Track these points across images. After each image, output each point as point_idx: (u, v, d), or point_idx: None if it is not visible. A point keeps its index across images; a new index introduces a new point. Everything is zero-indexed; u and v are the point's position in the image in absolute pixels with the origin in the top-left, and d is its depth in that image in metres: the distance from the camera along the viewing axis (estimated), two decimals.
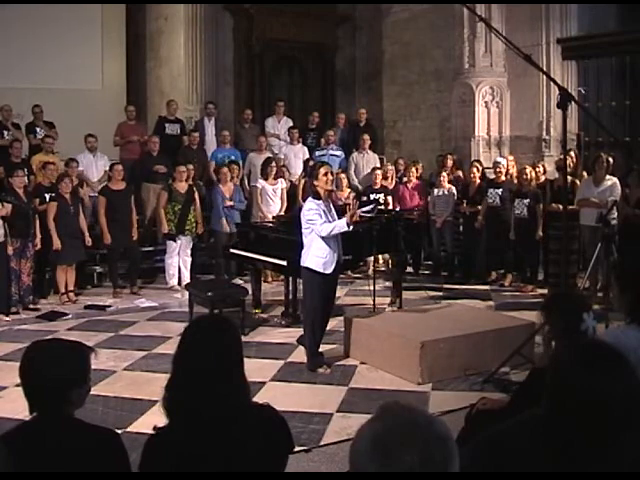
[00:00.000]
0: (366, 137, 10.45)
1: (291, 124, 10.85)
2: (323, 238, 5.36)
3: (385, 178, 9.70)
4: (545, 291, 8.09)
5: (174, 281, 8.71)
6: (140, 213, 9.47)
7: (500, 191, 8.74)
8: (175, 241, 8.64)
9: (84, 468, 1.94)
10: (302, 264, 5.51)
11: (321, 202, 5.45)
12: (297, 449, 3.75)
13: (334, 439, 4.20)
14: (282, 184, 9.31)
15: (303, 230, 5.50)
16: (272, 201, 9.16)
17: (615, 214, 7.26)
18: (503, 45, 9.80)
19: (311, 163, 8.83)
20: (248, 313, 6.91)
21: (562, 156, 5.22)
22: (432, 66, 12.15)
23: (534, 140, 10.40)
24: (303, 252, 5.52)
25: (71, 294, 8.01)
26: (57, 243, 7.74)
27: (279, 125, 10.92)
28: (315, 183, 5.49)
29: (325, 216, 5.40)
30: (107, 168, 9.21)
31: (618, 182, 7.67)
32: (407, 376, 5.26)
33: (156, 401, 4.06)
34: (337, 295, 6.38)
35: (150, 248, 9.48)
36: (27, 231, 7.52)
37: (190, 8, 11.21)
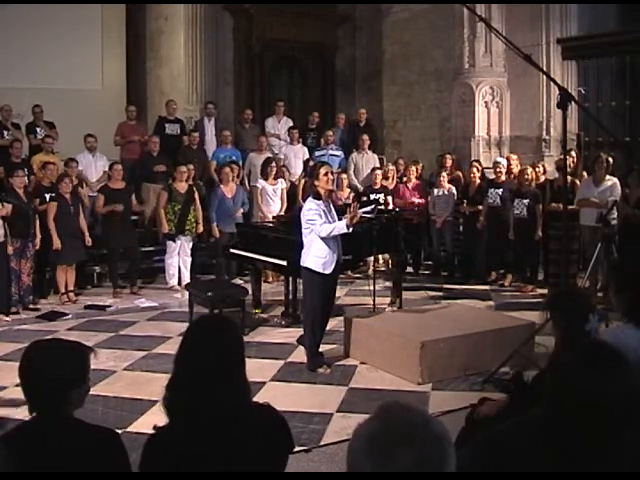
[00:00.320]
0: (365, 137, 10.45)
1: (291, 124, 10.85)
2: (323, 238, 5.36)
3: (385, 178, 9.70)
4: (545, 291, 8.09)
5: (174, 281, 8.71)
6: (140, 213, 9.49)
7: (500, 191, 8.74)
8: (175, 241, 8.64)
9: (84, 468, 1.94)
10: (302, 264, 5.51)
11: (321, 202, 5.45)
12: (297, 449, 3.75)
13: (334, 439, 4.19)
14: (282, 184, 9.31)
15: (303, 230, 5.49)
16: (272, 201, 9.16)
17: (615, 214, 7.26)
18: (503, 45, 9.79)
19: (311, 163, 8.83)
20: (248, 313, 6.91)
21: (562, 156, 5.22)
22: (432, 66, 12.15)
23: (534, 140, 10.40)
24: (303, 252, 5.52)
25: (71, 294, 8.01)
26: (57, 243, 7.74)
27: (279, 125, 10.92)
28: (315, 183, 5.49)
29: (325, 216, 5.40)
30: (106, 168, 9.22)
31: (618, 182, 7.67)
32: (407, 376, 5.26)
33: (156, 401, 4.06)
34: (337, 295, 6.39)
35: (150, 248, 9.48)
36: (27, 231, 7.52)
37: (190, 8, 11.21)
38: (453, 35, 10.90)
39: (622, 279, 3.07)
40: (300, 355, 5.82)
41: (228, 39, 12.32)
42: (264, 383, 5.20)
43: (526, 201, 8.32)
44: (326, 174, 5.46)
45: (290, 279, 7.00)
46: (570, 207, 7.41)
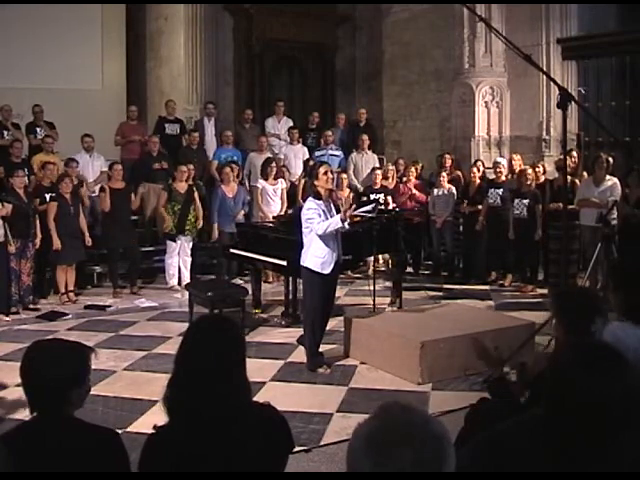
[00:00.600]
0: (365, 137, 10.45)
1: (291, 124, 10.85)
2: (322, 238, 5.36)
3: (385, 178, 9.70)
4: (545, 291, 8.09)
5: (174, 281, 8.71)
6: (140, 213, 9.49)
7: (501, 191, 8.74)
8: (175, 241, 8.64)
9: (84, 468, 1.94)
10: (302, 263, 5.51)
11: (321, 202, 5.45)
12: (297, 449, 3.75)
13: (334, 439, 4.20)
14: (282, 184, 9.32)
15: (303, 230, 5.50)
16: (272, 201, 9.16)
17: (615, 214, 7.26)
18: (503, 45, 9.79)
19: (311, 163, 8.83)
20: (248, 313, 6.91)
21: (562, 156, 5.22)
22: (432, 66, 12.15)
23: (534, 140, 10.40)
24: (303, 252, 5.52)
25: (71, 294, 8.01)
26: (57, 243, 7.74)
27: (279, 125, 10.92)
28: (316, 183, 5.49)
29: (325, 216, 5.40)
30: (103, 168, 9.23)
31: (618, 182, 7.67)
32: (407, 376, 5.26)
33: (156, 401, 4.06)
34: (337, 295, 6.39)
35: (150, 248, 9.48)
36: (27, 231, 7.52)
37: (190, 8, 11.21)
38: (453, 35, 10.90)
39: (621, 278, 3.07)
40: (300, 355, 5.82)
41: (228, 39, 12.32)
42: (264, 383, 5.21)
43: (526, 201, 8.32)
44: (325, 173, 5.46)
45: (290, 279, 7.00)
46: (570, 207, 7.41)
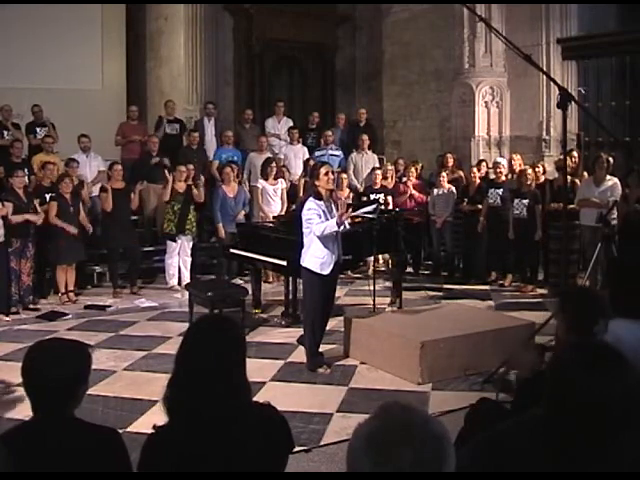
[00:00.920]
0: (365, 137, 10.44)
1: (291, 124, 10.85)
2: (322, 239, 5.36)
3: (385, 178, 9.70)
4: (545, 291, 8.09)
5: (174, 281, 8.71)
6: (140, 213, 9.48)
7: (501, 191, 8.74)
8: (175, 241, 8.64)
9: (85, 468, 1.94)
10: (301, 264, 5.51)
11: (322, 202, 5.45)
12: (297, 449, 3.76)
13: (334, 439, 4.20)
14: (282, 184, 9.31)
15: (303, 230, 5.50)
16: (272, 201, 9.15)
17: (615, 214, 7.26)
18: (503, 45, 9.80)
19: (311, 163, 8.83)
20: (248, 313, 6.91)
21: (562, 156, 5.22)
22: (432, 66, 12.15)
23: (534, 140, 10.40)
24: (303, 252, 5.52)
25: (71, 294, 8.01)
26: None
27: (279, 125, 10.92)
28: (316, 183, 5.48)
29: (325, 216, 5.39)
30: (101, 168, 9.23)
31: (619, 182, 7.67)
32: (407, 376, 5.26)
33: (156, 401, 4.06)
34: (337, 295, 6.39)
35: (150, 248, 9.48)
36: (27, 231, 7.52)
37: (190, 8, 11.21)
38: (453, 35, 10.90)
39: (619, 275, 3.07)
40: (300, 355, 5.81)
41: (228, 39, 12.32)
42: (264, 383, 5.20)
43: (526, 201, 8.32)
44: (326, 174, 5.46)
45: (290, 279, 7.00)
46: (570, 207, 7.41)
